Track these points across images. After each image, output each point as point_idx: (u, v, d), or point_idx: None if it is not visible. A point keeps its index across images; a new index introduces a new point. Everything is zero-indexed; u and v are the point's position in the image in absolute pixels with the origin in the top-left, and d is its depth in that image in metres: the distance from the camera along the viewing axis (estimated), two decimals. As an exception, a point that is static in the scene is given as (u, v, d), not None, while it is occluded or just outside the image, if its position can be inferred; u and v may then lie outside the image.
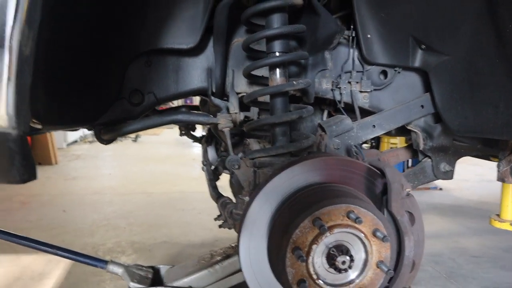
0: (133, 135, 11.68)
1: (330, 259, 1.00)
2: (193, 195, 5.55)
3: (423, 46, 1.59)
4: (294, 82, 1.41)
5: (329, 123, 1.59)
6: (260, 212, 1.07)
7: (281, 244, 0.98)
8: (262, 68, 1.49)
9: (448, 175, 1.82)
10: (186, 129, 2.94)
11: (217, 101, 1.55)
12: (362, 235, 0.99)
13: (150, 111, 1.66)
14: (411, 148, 1.86)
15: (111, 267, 1.65)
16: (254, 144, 1.85)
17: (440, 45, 1.54)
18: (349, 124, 1.59)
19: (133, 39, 1.45)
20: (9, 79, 0.88)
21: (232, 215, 1.50)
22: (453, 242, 4.06)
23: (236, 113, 1.53)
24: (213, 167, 2.59)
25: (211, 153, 2.69)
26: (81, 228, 4.29)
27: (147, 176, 7.00)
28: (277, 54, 1.41)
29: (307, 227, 0.98)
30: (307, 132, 1.78)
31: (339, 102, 1.69)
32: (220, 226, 1.82)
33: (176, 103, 3.09)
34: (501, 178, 1.79)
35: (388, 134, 1.87)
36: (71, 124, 1.48)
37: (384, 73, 1.72)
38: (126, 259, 3.50)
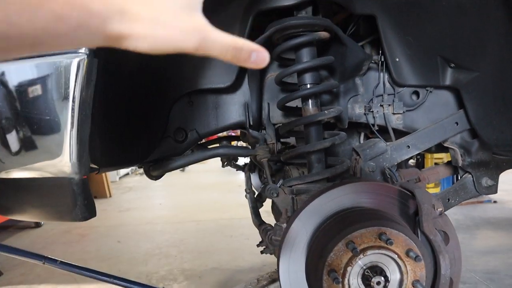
0: (180, 165, 11.95)
1: (366, 280, 1.04)
2: (240, 221, 5.64)
3: (452, 65, 1.62)
4: (326, 112, 1.48)
5: (363, 147, 1.64)
6: (297, 238, 1.14)
7: (318, 267, 1.05)
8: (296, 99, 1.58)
9: (492, 190, 1.80)
10: (228, 160, 3.05)
11: (254, 133, 1.65)
12: (395, 256, 1.04)
13: (194, 146, 1.79)
14: (451, 164, 1.86)
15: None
16: (293, 171, 1.92)
17: (469, 62, 1.56)
18: (382, 147, 1.64)
19: (175, 83, 1.58)
20: (72, 128, 1.03)
21: (272, 241, 1.57)
22: (509, 258, 3.87)
23: (273, 143, 1.62)
24: (257, 193, 2.67)
25: (255, 180, 2.77)
26: (135, 257, 4.47)
27: (196, 204, 7.18)
28: (308, 86, 1.49)
29: (341, 250, 1.04)
30: (346, 155, 1.83)
31: (373, 125, 1.73)
32: (262, 252, 1.88)
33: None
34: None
35: (428, 151, 1.88)
36: (124, 165, 1.62)
37: (416, 94, 1.75)
38: (178, 287, 3.62)
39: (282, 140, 1.89)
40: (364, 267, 1.05)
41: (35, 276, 3.86)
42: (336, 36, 1.52)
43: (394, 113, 1.74)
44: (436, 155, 5.46)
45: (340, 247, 1.04)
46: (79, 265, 1.84)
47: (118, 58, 1.23)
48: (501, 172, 1.81)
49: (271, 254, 1.76)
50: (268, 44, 1.52)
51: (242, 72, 1.63)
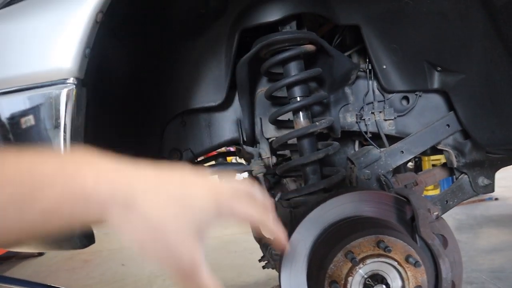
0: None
1: (367, 289, 1.05)
2: (243, 236, 5.61)
3: (439, 68, 1.64)
4: (317, 123, 1.49)
5: (357, 155, 1.65)
6: (297, 251, 1.14)
7: (319, 280, 1.05)
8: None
9: (489, 189, 1.81)
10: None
11: (249, 149, 1.66)
12: (395, 263, 1.04)
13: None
14: (447, 166, 1.87)
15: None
16: (291, 184, 1.93)
17: (454, 65, 1.58)
18: (376, 154, 1.65)
19: (166, 105, 1.60)
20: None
21: (272, 256, 1.57)
22: (514, 255, 3.86)
23: (268, 157, 1.63)
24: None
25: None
26: (140, 279, 4.44)
27: (198, 222, 7.15)
28: (298, 99, 1.50)
29: (341, 260, 1.04)
30: (342, 164, 1.84)
31: (366, 133, 1.75)
32: (263, 267, 1.88)
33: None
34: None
35: (424, 154, 1.89)
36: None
37: (406, 99, 1.76)
38: (185, 307, 3.59)
39: (278, 152, 1.90)
40: (365, 276, 1.05)
41: (40, 306, 3.82)
42: (322, 48, 1.54)
43: (385, 120, 1.75)
44: (433, 157, 5.47)
45: (340, 258, 1.04)
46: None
47: (107, 84, 1.25)
48: (497, 170, 1.82)
49: (273, 268, 1.76)
50: (256, 60, 1.54)
51: (232, 89, 1.64)
